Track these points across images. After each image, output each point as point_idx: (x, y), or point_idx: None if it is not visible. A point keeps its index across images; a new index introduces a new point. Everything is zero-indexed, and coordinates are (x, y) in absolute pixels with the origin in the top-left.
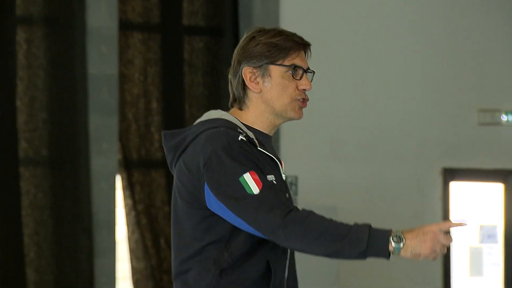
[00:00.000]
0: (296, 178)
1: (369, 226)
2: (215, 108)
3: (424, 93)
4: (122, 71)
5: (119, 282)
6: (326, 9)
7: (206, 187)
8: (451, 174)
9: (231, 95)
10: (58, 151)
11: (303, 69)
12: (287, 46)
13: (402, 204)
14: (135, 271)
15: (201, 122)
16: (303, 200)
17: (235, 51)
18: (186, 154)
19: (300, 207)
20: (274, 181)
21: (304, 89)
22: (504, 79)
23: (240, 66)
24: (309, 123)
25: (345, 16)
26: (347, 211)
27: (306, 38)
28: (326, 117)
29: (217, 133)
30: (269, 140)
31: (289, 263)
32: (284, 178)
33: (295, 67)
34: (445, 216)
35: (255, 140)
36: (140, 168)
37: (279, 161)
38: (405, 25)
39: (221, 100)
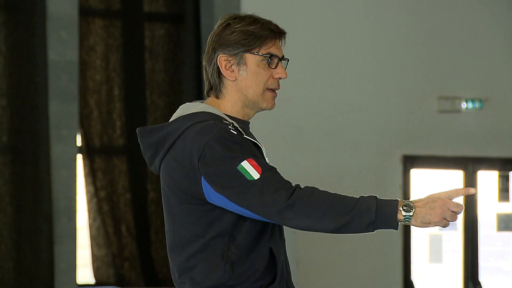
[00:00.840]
0: None
1: (376, 197)
2: (176, 94)
3: (384, 81)
4: (83, 57)
5: (80, 269)
6: (284, 1)
7: (203, 180)
8: (411, 161)
9: (206, 83)
10: (18, 138)
11: (278, 57)
12: (263, 34)
13: (363, 191)
14: (95, 258)
15: (183, 117)
16: None
17: (210, 38)
18: (174, 150)
19: None
20: None
21: (280, 78)
22: (464, 67)
23: (215, 53)
24: (270, 112)
25: (305, 4)
26: None
27: None
28: (287, 106)
29: (208, 126)
30: (248, 128)
31: (284, 248)
32: (268, 161)
33: (271, 56)
34: None
35: (239, 129)
36: (102, 155)
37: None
38: (363, 13)
39: (181, 86)
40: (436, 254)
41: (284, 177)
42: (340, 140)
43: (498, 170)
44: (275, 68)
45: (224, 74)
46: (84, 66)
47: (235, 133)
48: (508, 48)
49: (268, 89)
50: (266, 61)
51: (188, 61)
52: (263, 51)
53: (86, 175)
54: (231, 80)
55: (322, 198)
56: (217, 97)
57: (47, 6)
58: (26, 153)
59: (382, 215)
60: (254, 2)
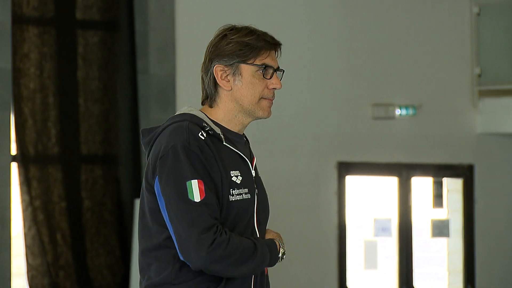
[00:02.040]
0: None
1: (263, 241)
2: (110, 101)
3: (319, 87)
4: (17, 65)
5: (14, 278)
6: (221, 4)
7: (157, 180)
8: (346, 167)
9: (203, 93)
10: None
11: (273, 68)
12: (258, 45)
13: (298, 197)
14: (30, 267)
15: (171, 117)
16: None
17: (207, 49)
18: (153, 148)
19: None
20: (239, 176)
21: (274, 88)
22: (398, 74)
23: (211, 64)
24: None
25: (240, 12)
26: None
27: (202, 31)
28: None
29: (180, 127)
30: (239, 138)
31: None
32: (254, 174)
33: (266, 67)
34: (340, 209)
35: (221, 135)
36: (36, 163)
37: (250, 159)
38: (300, 20)
39: (116, 93)
40: (371, 260)
41: (213, 221)
42: (275, 146)
43: (432, 176)
44: (270, 78)
45: (220, 84)
46: (18, 73)
47: (204, 138)
48: (440, 55)
49: (263, 98)
50: (261, 71)
51: (122, 68)
52: (258, 61)
53: (21, 184)
54: (226, 90)
55: (235, 248)
56: (210, 106)
57: None
58: None
59: (273, 255)
60: (188, 9)
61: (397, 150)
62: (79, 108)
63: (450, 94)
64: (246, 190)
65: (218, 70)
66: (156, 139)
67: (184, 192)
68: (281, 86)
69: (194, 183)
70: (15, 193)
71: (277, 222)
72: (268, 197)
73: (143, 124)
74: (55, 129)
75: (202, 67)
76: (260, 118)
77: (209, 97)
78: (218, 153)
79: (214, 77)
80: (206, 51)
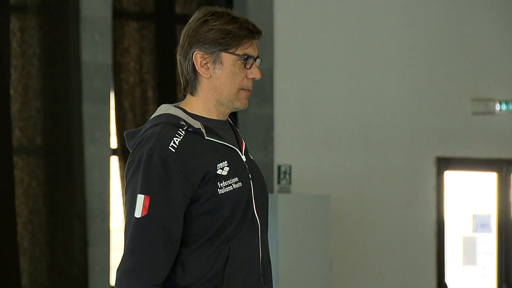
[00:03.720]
0: (289, 167)
1: None
2: None
3: (418, 82)
4: (118, 60)
5: (113, 271)
6: (320, 0)
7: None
8: (444, 163)
9: (182, 78)
10: (51, 139)
11: (254, 58)
12: (241, 34)
13: (396, 193)
14: None
15: (151, 119)
16: (297, 189)
17: (185, 31)
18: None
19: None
20: (226, 167)
21: (254, 78)
22: (498, 68)
23: (190, 49)
24: (303, 113)
25: (338, 7)
26: (340, 200)
27: (301, 27)
28: (319, 106)
29: (152, 134)
30: (222, 125)
31: (262, 244)
32: (244, 160)
33: (247, 57)
34: (439, 205)
35: (202, 129)
36: None
37: (239, 144)
38: (398, 15)
39: None
40: (470, 256)
41: (159, 257)
42: (373, 142)
43: None
44: (250, 68)
45: (199, 71)
46: (118, 68)
47: (176, 145)
48: None
49: (242, 89)
50: (242, 61)
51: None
52: (240, 51)
53: (121, 177)
54: (205, 78)
55: None
56: (192, 94)
57: (81, 8)
58: (60, 155)
59: None
60: (287, 5)
61: (497, 146)
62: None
63: None
64: (236, 179)
65: (198, 57)
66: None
67: (132, 203)
68: (261, 76)
69: (140, 198)
70: (115, 186)
71: (375, 217)
72: (265, 180)
73: (241, 119)
74: None
75: (179, 50)
76: (238, 109)
77: (190, 84)
78: (197, 153)
79: (193, 64)
80: (183, 34)
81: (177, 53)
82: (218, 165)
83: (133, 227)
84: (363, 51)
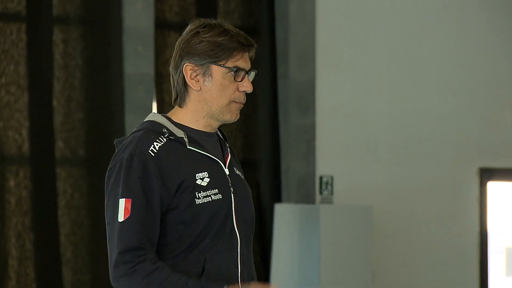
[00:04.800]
0: (331, 178)
1: (204, 285)
2: (250, 107)
3: (460, 92)
4: (160, 71)
5: None
6: (363, 8)
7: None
8: (488, 174)
9: (173, 91)
10: (94, 151)
11: (245, 71)
12: (231, 46)
13: (438, 204)
14: None
15: (137, 125)
16: (339, 199)
17: (177, 43)
18: None
19: (335, 206)
20: (206, 178)
21: (245, 91)
22: None
23: (181, 61)
24: (345, 123)
25: (381, 17)
26: (383, 212)
27: (342, 37)
28: (362, 117)
29: (133, 139)
30: (208, 137)
31: (242, 258)
32: (227, 173)
33: (237, 70)
34: (482, 217)
35: (185, 138)
36: None
37: (223, 157)
38: (442, 27)
39: (256, 99)
40: None
41: (144, 240)
42: (414, 153)
43: None
44: (241, 81)
45: (189, 83)
46: (160, 79)
47: (156, 150)
48: None
49: (234, 101)
50: (232, 73)
51: (263, 73)
52: (230, 64)
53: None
54: (195, 90)
55: (157, 283)
56: (180, 106)
57: (123, 19)
58: (103, 166)
59: None
60: (329, 15)
61: None
62: None
63: None
64: (216, 190)
65: (188, 69)
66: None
67: (113, 210)
68: (252, 88)
69: (122, 202)
70: None
71: (418, 228)
72: (250, 194)
73: (283, 129)
74: None
75: (171, 62)
76: (228, 122)
77: (179, 96)
78: (176, 160)
79: (184, 76)
80: (176, 46)
81: (170, 65)
82: (197, 175)
83: (118, 233)
84: (406, 61)
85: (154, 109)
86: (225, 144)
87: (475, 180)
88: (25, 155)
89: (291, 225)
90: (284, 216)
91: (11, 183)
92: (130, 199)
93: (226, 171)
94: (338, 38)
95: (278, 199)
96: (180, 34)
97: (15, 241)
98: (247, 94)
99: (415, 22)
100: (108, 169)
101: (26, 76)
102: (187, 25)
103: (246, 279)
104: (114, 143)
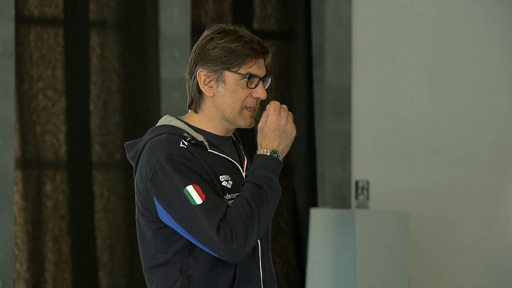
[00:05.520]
0: (367, 182)
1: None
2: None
3: (498, 96)
4: None
5: None
6: (399, 12)
7: (155, 200)
8: None
9: (188, 96)
10: None
11: (259, 77)
12: (244, 53)
13: (475, 209)
14: None
15: (151, 129)
16: (375, 204)
17: (193, 49)
18: (138, 168)
19: (371, 212)
20: (230, 181)
21: (258, 97)
22: None
23: (195, 67)
24: (380, 128)
25: (418, 19)
26: (419, 217)
27: (378, 42)
28: (397, 121)
29: (159, 141)
30: (225, 141)
31: (263, 264)
32: (245, 176)
33: (250, 76)
34: None
35: (205, 142)
36: None
37: (240, 161)
38: (477, 31)
39: (293, 104)
40: None
41: (219, 202)
42: (451, 157)
43: None
44: (254, 87)
45: (202, 89)
46: None
47: (186, 147)
48: None
49: (246, 107)
50: (245, 80)
51: (299, 78)
52: (243, 70)
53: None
54: (209, 96)
55: (242, 212)
56: (195, 112)
57: (160, 24)
58: None
59: (274, 177)
60: (365, 18)
61: None
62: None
63: None
64: (238, 194)
65: (201, 75)
66: (140, 155)
67: (186, 202)
68: (266, 95)
69: (190, 189)
70: None
71: (454, 234)
72: None
73: (319, 134)
74: None
75: (187, 68)
76: (242, 127)
77: (194, 102)
78: (203, 160)
79: (198, 82)
80: (192, 52)
81: (186, 71)
82: (221, 177)
83: (204, 214)
84: (442, 66)
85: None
86: (239, 147)
87: None
88: (62, 160)
89: (327, 230)
90: (320, 221)
91: (48, 187)
92: (196, 185)
93: (244, 174)
94: (374, 43)
95: (314, 204)
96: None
97: (51, 245)
98: (284, 100)
99: (451, 26)
100: (149, 178)
101: (63, 81)
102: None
103: (268, 282)
104: (125, 146)
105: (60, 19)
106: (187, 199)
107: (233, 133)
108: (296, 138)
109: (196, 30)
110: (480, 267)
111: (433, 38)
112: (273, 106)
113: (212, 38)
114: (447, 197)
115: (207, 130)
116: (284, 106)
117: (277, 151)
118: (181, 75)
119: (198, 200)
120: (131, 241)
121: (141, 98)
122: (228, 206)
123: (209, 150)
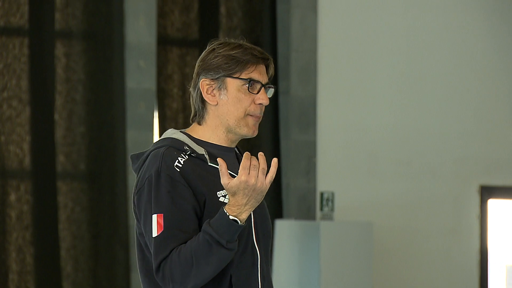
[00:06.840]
0: (332, 194)
1: (208, 223)
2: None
3: (462, 110)
4: (161, 86)
5: None
6: (365, 24)
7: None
8: (488, 191)
9: (192, 109)
10: (95, 165)
11: (260, 83)
12: (244, 59)
13: (439, 221)
14: None
15: (155, 142)
16: (339, 215)
17: (197, 63)
18: (137, 177)
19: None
20: (226, 196)
21: (261, 103)
22: None
23: (198, 78)
24: (345, 139)
25: (383, 33)
26: (383, 227)
27: (344, 54)
28: (362, 133)
29: (156, 155)
30: (229, 152)
31: (262, 274)
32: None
33: (251, 81)
34: (483, 234)
35: (206, 155)
36: None
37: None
38: (443, 43)
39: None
40: None
41: (170, 240)
42: (416, 169)
43: None
44: (256, 93)
45: (205, 98)
46: (162, 94)
47: (180, 166)
48: None
49: (249, 114)
50: (247, 85)
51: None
52: (244, 75)
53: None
54: (212, 105)
55: (185, 261)
56: (199, 123)
57: (126, 35)
58: (103, 180)
59: (224, 232)
60: (331, 30)
61: None
62: None
63: None
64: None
65: (204, 84)
66: (142, 166)
67: (149, 229)
68: (268, 101)
69: (154, 218)
70: None
71: (418, 245)
72: (267, 210)
73: (284, 145)
74: None
75: (192, 83)
76: (245, 136)
77: (198, 114)
78: (199, 177)
79: (201, 92)
80: (195, 67)
81: (190, 86)
82: (218, 192)
83: (154, 248)
84: (407, 78)
85: (156, 124)
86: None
87: (476, 197)
88: (26, 170)
89: (292, 241)
90: (285, 232)
91: (12, 197)
92: (162, 214)
93: None
94: (340, 55)
95: (279, 215)
96: (182, 49)
97: (15, 255)
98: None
99: (418, 39)
100: (136, 190)
101: (28, 91)
102: (189, 41)
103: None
104: (130, 158)
105: (25, 29)
106: (151, 225)
107: (237, 148)
108: (261, 149)
109: (162, 40)
110: (444, 277)
111: (398, 51)
112: (242, 165)
113: (213, 49)
114: (412, 208)
115: (211, 141)
116: (254, 161)
117: (238, 219)
118: (147, 86)
119: (155, 232)
120: (95, 252)
121: (106, 108)
122: (176, 247)
123: (209, 164)
